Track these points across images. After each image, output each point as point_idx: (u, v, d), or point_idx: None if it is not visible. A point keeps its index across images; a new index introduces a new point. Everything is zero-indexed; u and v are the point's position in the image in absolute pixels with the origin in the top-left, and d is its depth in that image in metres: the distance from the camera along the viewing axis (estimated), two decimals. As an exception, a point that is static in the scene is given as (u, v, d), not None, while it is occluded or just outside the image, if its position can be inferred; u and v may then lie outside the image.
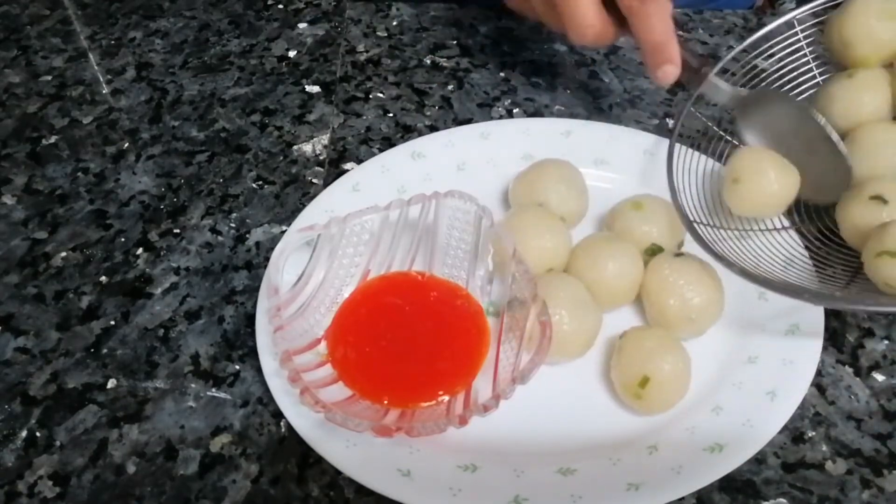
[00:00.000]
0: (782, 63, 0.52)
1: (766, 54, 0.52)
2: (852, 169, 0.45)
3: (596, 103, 0.60)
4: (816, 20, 0.50)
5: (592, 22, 0.48)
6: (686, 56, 0.49)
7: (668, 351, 0.40)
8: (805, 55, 0.51)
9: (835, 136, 0.45)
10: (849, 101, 0.47)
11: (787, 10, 0.51)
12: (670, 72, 0.48)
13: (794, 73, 0.51)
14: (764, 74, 0.52)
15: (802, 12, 0.51)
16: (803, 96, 0.51)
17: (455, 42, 0.67)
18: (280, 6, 0.72)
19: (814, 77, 0.51)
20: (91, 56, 0.67)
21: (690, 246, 0.46)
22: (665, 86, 0.50)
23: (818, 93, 0.50)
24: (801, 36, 0.51)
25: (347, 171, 0.53)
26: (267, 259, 0.48)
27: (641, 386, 0.39)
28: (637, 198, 0.47)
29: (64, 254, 0.50)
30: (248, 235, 0.51)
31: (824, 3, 0.49)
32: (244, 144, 0.58)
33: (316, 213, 0.48)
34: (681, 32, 0.49)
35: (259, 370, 0.41)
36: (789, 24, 0.51)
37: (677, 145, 0.48)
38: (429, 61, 0.65)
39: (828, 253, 0.45)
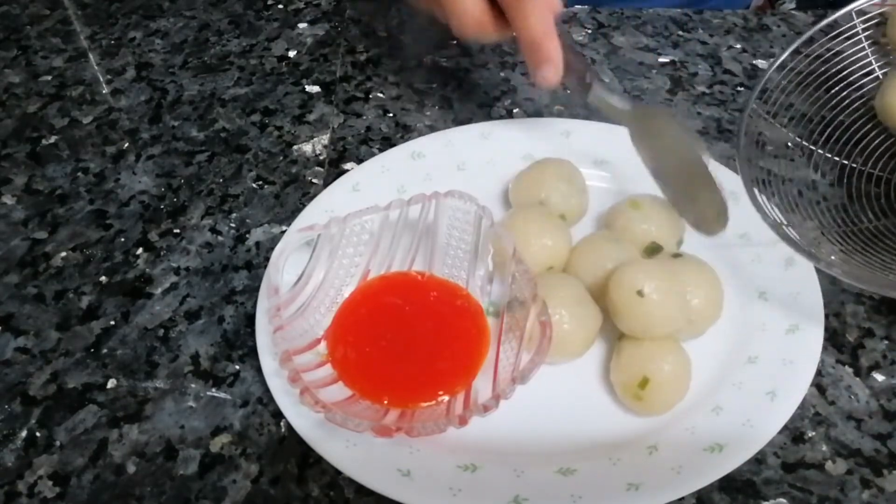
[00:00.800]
0: (842, 56, 0.51)
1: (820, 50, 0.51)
2: (726, 208, 0.43)
3: (596, 103, 0.60)
4: (879, 11, 0.50)
5: (473, 12, 0.46)
6: (573, 60, 0.46)
7: (668, 352, 0.40)
8: (864, 48, 0.50)
9: (711, 166, 0.43)
10: None
11: (787, 9, 0.51)
12: (549, 72, 0.45)
13: (854, 67, 0.51)
14: (823, 69, 0.51)
15: (860, 5, 0.49)
16: (861, 90, 0.50)
17: (455, 42, 0.67)
18: (280, 6, 0.72)
19: (873, 71, 0.51)
20: (91, 56, 0.67)
21: (689, 245, 0.47)
22: (545, 88, 0.48)
23: (879, 87, 0.49)
24: (859, 28, 0.50)
25: (347, 171, 0.53)
26: (267, 259, 0.48)
27: (641, 387, 0.39)
28: (636, 197, 0.47)
29: (64, 254, 0.50)
30: (248, 235, 0.51)
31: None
32: (244, 144, 0.58)
33: (316, 213, 0.48)
34: (573, 41, 0.48)
35: (259, 370, 0.41)
36: (847, 17, 0.50)
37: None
38: (429, 61, 0.65)
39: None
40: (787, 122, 0.52)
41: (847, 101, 0.51)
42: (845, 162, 0.51)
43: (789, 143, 0.52)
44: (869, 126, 0.49)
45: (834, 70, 0.51)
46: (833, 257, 0.44)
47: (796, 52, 0.50)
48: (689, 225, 0.45)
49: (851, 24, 0.50)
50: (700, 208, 0.45)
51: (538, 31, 0.45)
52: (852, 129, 0.50)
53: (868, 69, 0.51)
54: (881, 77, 0.50)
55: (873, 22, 0.50)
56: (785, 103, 0.51)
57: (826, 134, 0.51)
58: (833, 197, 0.50)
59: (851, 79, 0.51)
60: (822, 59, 0.51)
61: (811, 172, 0.53)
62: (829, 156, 0.51)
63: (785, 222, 0.43)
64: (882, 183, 0.49)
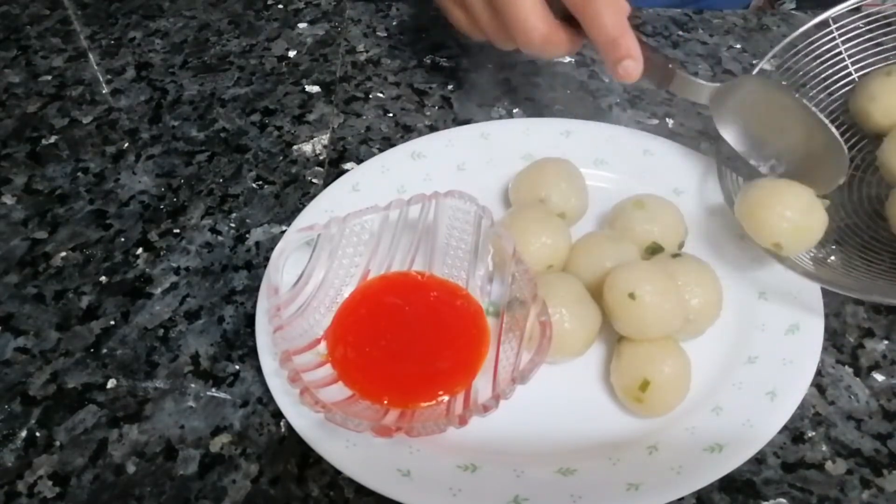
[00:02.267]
0: (819, 61, 0.52)
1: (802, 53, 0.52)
2: (846, 154, 0.44)
3: (596, 103, 0.60)
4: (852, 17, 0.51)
5: (536, 24, 0.45)
6: (649, 53, 0.46)
7: (668, 354, 0.40)
8: (840, 53, 0.51)
9: (824, 120, 0.44)
10: (890, 99, 0.47)
11: (787, 9, 0.51)
12: (631, 67, 0.45)
13: (830, 72, 0.51)
14: (800, 74, 0.52)
15: (838, 11, 0.50)
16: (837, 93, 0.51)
17: (455, 42, 0.67)
18: (280, 6, 0.72)
19: (849, 75, 0.51)
20: (91, 56, 0.67)
21: (689, 245, 0.47)
22: (628, 82, 0.47)
23: (855, 90, 0.49)
24: (836, 35, 0.51)
25: (347, 171, 0.53)
26: (267, 259, 0.48)
27: (642, 389, 0.39)
28: (640, 197, 0.47)
29: (64, 254, 0.50)
30: (247, 235, 0.51)
31: (860, 2, 0.49)
32: (244, 144, 0.58)
33: (316, 213, 0.48)
34: (644, 39, 0.48)
35: (259, 370, 0.41)
36: (824, 24, 0.51)
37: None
38: (429, 61, 0.65)
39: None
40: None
41: (823, 105, 0.52)
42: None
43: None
44: (842, 129, 0.50)
45: (811, 73, 0.52)
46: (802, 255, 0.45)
47: (779, 54, 0.52)
48: (812, 187, 0.43)
49: (828, 30, 0.51)
50: (815, 161, 0.45)
51: (613, 30, 0.45)
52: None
53: (845, 72, 0.52)
54: (856, 80, 0.51)
55: (849, 28, 0.51)
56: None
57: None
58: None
59: (827, 83, 0.51)
60: (794, 69, 0.52)
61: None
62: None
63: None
64: (855, 181, 0.49)
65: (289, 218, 0.51)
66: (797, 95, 0.45)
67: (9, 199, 0.54)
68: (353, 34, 0.68)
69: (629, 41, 0.45)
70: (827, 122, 0.44)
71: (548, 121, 0.56)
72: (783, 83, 0.49)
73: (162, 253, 0.50)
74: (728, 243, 0.47)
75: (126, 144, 0.58)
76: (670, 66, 0.47)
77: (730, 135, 0.48)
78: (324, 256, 0.44)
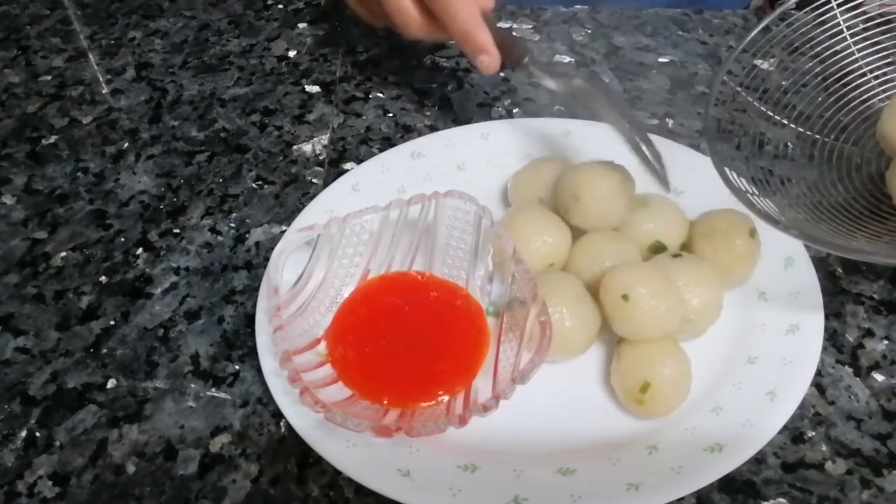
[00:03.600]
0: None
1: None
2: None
3: (596, 103, 0.60)
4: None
5: (411, 15, 0.50)
6: (509, 47, 0.48)
7: (668, 355, 0.40)
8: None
9: (640, 141, 0.44)
10: None
11: (788, 8, 0.50)
12: (486, 62, 0.48)
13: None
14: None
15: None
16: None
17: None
18: (280, 6, 0.72)
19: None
20: (91, 56, 0.67)
21: (690, 246, 0.47)
22: (488, 74, 0.50)
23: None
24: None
25: (347, 170, 0.53)
26: (267, 259, 0.48)
27: (643, 391, 0.39)
28: (644, 195, 0.47)
29: (64, 254, 0.50)
30: (247, 235, 0.51)
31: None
32: (244, 144, 0.58)
33: (316, 212, 0.48)
34: (503, 24, 0.49)
35: (259, 370, 0.41)
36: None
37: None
38: (429, 61, 0.65)
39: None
40: (760, 97, 0.52)
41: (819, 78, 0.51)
42: (817, 137, 0.51)
43: (789, 143, 0.52)
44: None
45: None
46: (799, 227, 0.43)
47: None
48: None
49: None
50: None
51: (464, 24, 0.48)
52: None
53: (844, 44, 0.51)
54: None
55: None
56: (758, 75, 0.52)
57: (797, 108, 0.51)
58: (804, 170, 0.50)
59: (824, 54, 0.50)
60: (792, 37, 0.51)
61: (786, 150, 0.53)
62: (802, 130, 0.51)
63: (752, 191, 0.43)
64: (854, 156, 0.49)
65: (289, 218, 0.51)
66: (621, 120, 0.45)
67: (9, 199, 0.54)
68: (353, 34, 0.68)
69: (481, 35, 0.48)
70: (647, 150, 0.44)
71: (548, 121, 0.56)
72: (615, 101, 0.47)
73: (162, 253, 0.50)
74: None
75: (126, 144, 0.58)
76: (525, 62, 0.49)
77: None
78: (324, 256, 0.44)
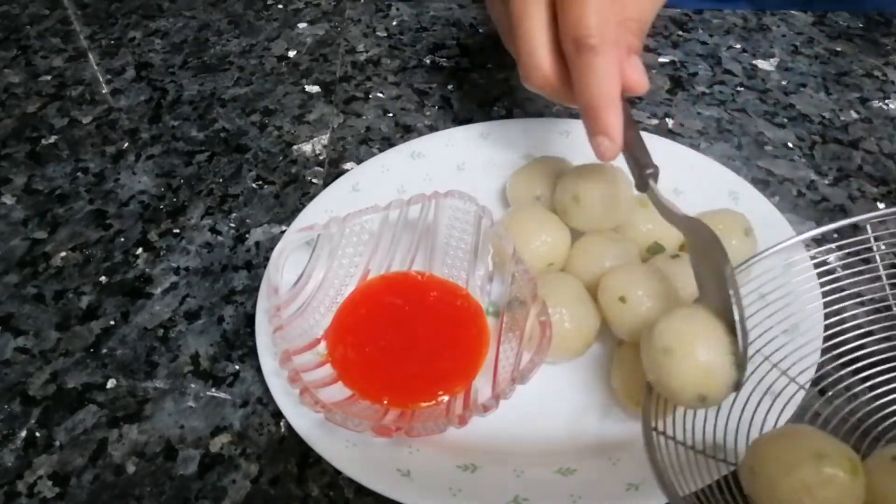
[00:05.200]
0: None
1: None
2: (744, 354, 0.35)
3: (596, 103, 0.60)
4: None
5: (539, 63, 0.41)
6: (634, 145, 0.41)
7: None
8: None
9: (737, 314, 0.34)
10: None
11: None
12: (604, 146, 0.39)
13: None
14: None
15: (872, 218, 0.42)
16: None
17: (455, 42, 0.67)
18: (280, 6, 0.72)
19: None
20: (91, 56, 0.67)
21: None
22: (603, 160, 0.41)
23: None
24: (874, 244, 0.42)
25: (347, 171, 0.53)
26: (267, 259, 0.48)
27: None
28: (641, 196, 0.47)
29: (64, 254, 0.50)
30: (247, 235, 0.51)
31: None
32: (244, 144, 0.58)
33: (316, 213, 0.48)
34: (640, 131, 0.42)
35: (259, 370, 0.41)
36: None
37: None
38: (429, 61, 0.65)
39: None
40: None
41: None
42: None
43: (789, 143, 0.51)
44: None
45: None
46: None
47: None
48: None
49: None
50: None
51: (595, 98, 0.39)
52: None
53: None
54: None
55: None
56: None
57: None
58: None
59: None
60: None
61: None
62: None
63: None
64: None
65: (289, 218, 0.51)
66: (730, 278, 0.35)
67: (9, 199, 0.54)
68: (353, 34, 0.68)
69: (609, 116, 0.39)
70: (739, 316, 0.34)
71: (547, 121, 0.56)
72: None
73: (162, 253, 0.50)
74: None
75: (126, 144, 0.58)
76: (648, 172, 0.40)
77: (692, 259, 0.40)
78: (324, 256, 0.44)
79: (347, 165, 0.56)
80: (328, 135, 0.58)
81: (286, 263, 0.43)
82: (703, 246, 0.37)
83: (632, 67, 0.41)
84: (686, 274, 0.42)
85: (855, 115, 0.59)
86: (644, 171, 0.40)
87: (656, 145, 0.52)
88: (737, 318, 0.34)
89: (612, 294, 0.40)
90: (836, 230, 0.43)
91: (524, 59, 0.42)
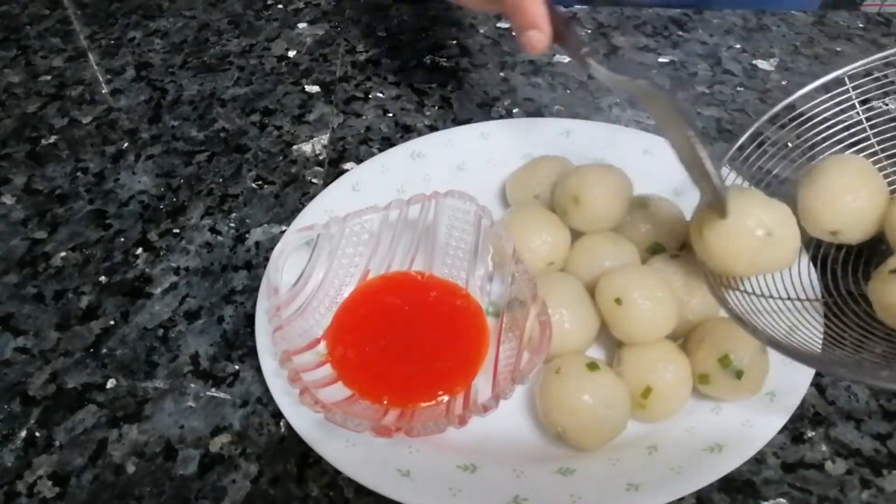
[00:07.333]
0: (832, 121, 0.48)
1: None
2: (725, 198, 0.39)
3: (596, 103, 0.60)
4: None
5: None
6: (565, 32, 0.44)
7: (669, 360, 0.40)
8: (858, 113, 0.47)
9: (703, 154, 0.38)
10: None
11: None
12: (535, 38, 0.43)
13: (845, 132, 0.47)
14: (816, 130, 0.48)
15: (854, 68, 0.47)
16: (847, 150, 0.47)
17: (455, 42, 0.67)
18: (280, 6, 0.72)
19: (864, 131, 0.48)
20: (91, 56, 0.67)
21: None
22: (531, 53, 0.45)
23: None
24: (853, 94, 0.47)
25: (347, 170, 0.53)
26: (266, 259, 0.48)
27: (644, 396, 0.39)
28: (643, 196, 0.47)
29: (63, 254, 0.50)
30: (247, 235, 0.51)
31: (878, 60, 0.46)
32: (244, 144, 0.58)
33: (315, 212, 0.48)
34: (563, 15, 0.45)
35: (259, 370, 0.41)
36: (839, 81, 0.47)
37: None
38: (429, 61, 0.65)
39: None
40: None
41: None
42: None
43: (789, 143, 0.51)
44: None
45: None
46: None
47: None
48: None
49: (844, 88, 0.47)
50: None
51: None
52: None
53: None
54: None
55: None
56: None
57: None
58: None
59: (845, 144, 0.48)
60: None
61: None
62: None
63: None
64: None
65: (289, 218, 0.51)
66: (685, 123, 0.39)
67: (9, 199, 0.54)
68: (353, 34, 0.68)
69: (535, 8, 0.43)
70: (706, 156, 0.38)
71: (547, 121, 0.56)
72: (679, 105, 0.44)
73: (162, 253, 0.50)
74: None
75: (126, 144, 0.58)
76: (584, 50, 0.44)
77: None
78: (324, 256, 0.44)
79: (347, 165, 0.56)
80: (328, 135, 0.58)
81: (286, 263, 0.43)
82: (662, 111, 0.40)
83: None
84: (687, 272, 0.42)
85: (855, 116, 0.58)
86: (580, 52, 0.44)
87: (657, 145, 0.52)
88: (703, 154, 0.37)
89: (609, 296, 0.40)
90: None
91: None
